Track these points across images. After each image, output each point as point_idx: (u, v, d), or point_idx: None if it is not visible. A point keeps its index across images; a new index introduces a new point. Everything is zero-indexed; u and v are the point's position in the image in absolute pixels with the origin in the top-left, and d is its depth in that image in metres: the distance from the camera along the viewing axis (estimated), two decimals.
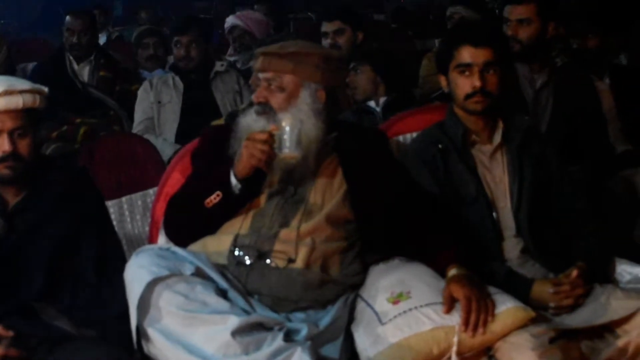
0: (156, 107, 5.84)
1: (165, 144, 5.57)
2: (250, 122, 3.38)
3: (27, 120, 3.21)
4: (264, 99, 3.38)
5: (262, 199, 3.38)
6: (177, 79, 5.91)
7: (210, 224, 3.39)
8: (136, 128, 5.87)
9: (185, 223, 3.43)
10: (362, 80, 5.20)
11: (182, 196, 3.49)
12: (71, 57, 6.52)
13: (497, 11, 6.76)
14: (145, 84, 6.00)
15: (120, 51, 7.85)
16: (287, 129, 3.23)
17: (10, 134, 3.17)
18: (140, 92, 5.97)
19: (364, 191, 3.38)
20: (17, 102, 3.16)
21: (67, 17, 6.59)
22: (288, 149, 3.23)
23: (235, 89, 5.96)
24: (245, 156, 3.27)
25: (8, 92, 3.15)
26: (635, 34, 6.02)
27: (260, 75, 3.43)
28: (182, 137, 5.56)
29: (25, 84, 3.24)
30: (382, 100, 5.16)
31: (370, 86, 5.20)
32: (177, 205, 3.48)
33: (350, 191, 3.40)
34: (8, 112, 3.16)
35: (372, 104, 5.18)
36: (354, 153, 3.43)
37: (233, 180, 3.31)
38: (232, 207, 3.36)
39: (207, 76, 5.95)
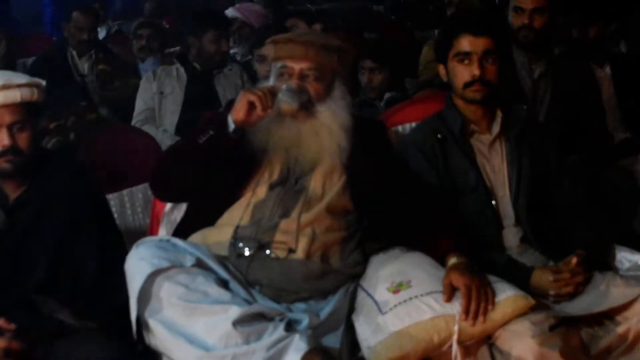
0: (158, 97, 5.84)
1: (165, 135, 5.57)
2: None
3: (25, 114, 3.21)
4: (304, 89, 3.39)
5: (263, 189, 3.38)
6: (182, 70, 5.90)
7: (200, 167, 3.34)
8: (136, 118, 5.86)
9: (174, 168, 3.41)
10: (379, 80, 5.26)
11: (175, 144, 3.49)
12: (73, 52, 6.55)
13: (496, 0, 6.78)
14: (149, 74, 6.00)
15: (119, 45, 7.87)
16: (279, 76, 3.33)
17: (10, 128, 3.17)
18: (142, 82, 5.97)
19: (363, 181, 3.39)
20: (15, 96, 3.17)
21: (76, 14, 6.60)
22: (287, 101, 3.28)
23: (237, 84, 5.95)
24: (243, 97, 3.26)
25: (6, 87, 3.15)
26: (635, 22, 6.01)
27: (294, 64, 3.40)
28: (181, 129, 5.57)
29: (22, 78, 3.25)
30: (386, 95, 5.22)
31: (385, 86, 5.26)
32: (169, 151, 3.51)
33: (349, 181, 3.40)
34: (6, 106, 3.17)
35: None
36: (353, 144, 3.43)
37: (230, 120, 3.30)
38: (223, 146, 3.32)
39: (212, 70, 5.94)
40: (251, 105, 3.25)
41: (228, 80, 5.93)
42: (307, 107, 3.37)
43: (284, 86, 3.34)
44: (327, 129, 3.38)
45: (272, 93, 3.28)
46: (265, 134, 3.37)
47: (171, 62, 6.12)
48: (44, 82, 3.31)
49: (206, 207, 3.43)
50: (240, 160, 3.37)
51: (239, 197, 3.40)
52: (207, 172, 3.36)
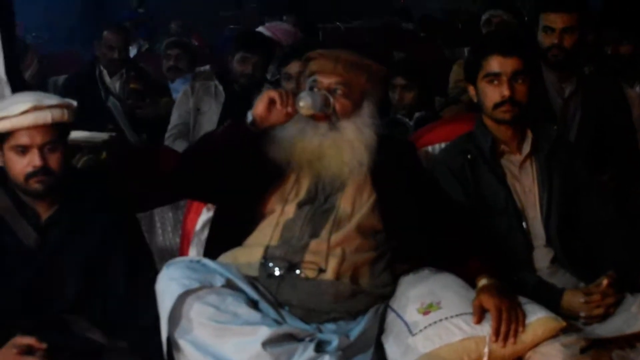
0: (194, 113, 5.83)
1: None
2: (305, 124, 3.38)
3: (56, 135, 3.24)
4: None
5: (292, 208, 3.38)
6: (220, 88, 5.90)
7: (217, 154, 3.33)
8: (170, 131, 5.86)
9: (194, 156, 3.46)
10: (410, 98, 5.27)
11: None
12: (104, 71, 6.59)
13: (526, 18, 6.76)
14: (187, 89, 5.98)
15: (150, 63, 7.91)
16: (309, 90, 3.36)
17: (40, 149, 3.20)
18: (180, 96, 5.98)
19: (393, 200, 3.38)
20: (46, 117, 3.20)
21: (107, 33, 6.62)
22: (305, 100, 3.30)
23: None
24: (265, 94, 3.31)
25: (37, 108, 3.18)
26: None
27: (323, 78, 3.41)
28: None
29: (53, 99, 3.28)
30: (416, 115, 5.22)
31: (416, 104, 5.27)
32: (191, 145, 3.58)
33: (379, 200, 3.40)
34: (37, 127, 3.20)
35: (404, 117, 5.25)
36: (383, 163, 3.43)
37: (249, 113, 3.32)
38: (239, 135, 3.33)
39: (251, 90, 5.94)
40: (271, 102, 3.28)
41: None
42: (330, 119, 3.37)
43: (309, 91, 3.37)
44: (349, 144, 3.37)
45: (295, 94, 3.32)
46: (288, 145, 3.38)
47: (209, 78, 6.11)
48: (75, 103, 3.34)
49: (232, 222, 3.44)
50: (263, 170, 3.37)
51: (265, 214, 3.41)
52: (224, 163, 3.33)
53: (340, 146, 3.36)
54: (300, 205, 3.38)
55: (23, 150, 3.21)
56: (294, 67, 5.01)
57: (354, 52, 3.50)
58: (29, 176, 3.22)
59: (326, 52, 3.49)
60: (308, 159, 3.37)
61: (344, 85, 3.39)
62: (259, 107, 3.30)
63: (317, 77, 3.42)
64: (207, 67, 7.37)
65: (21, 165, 3.22)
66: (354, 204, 3.39)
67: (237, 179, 3.35)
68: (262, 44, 6.11)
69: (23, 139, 3.20)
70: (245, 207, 3.41)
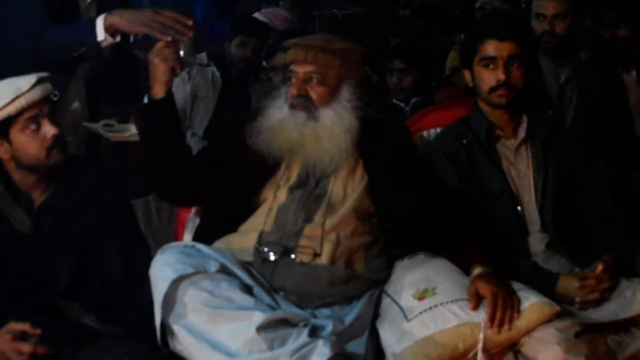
0: (190, 99, 5.81)
1: (193, 139, 5.53)
2: (285, 115, 3.39)
3: (51, 107, 3.24)
4: (304, 92, 3.39)
5: (284, 193, 3.39)
6: (217, 74, 5.87)
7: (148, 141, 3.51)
8: None
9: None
10: (409, 82, 5.27)
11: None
12: None
13: (523, 5, 6.76)
14: (183, 74, 5.92)
15: (146, 50, 7.86)
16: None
17: (50, 120, 3.19)
18: (176, 82, 5.92)
19: (385, 183, 3.38)
20: (48, 88, 3.21)
21: None
22: (184, 55, 3.36)
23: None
24: (161, 62, 3.48)
25: (41, 80, 3.18)
26: None
27: (298, 68, 3.41)
28: (211, 133, 5.54)
29: (42, 73, 3.26)
30: (412, 100, 5.21)
31: (414, 88, 5.27)
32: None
33: (370, 183, 3.40)
34: (43, 99, 3.19)
35: (401, 102, 5.23)
36: (375, 146, 3.43)
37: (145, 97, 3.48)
38: (156, 118, 3.49)
39: (247, 76, 5.91)
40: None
41: (264, 90, 5.88)
42: (308, 108, 3.37)
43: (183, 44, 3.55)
44: (327, 133, 3.37)
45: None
46: (271, 136, 3.38)
47: (207, 64, 6.08)
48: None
49: (225, 212, 3.44)
50: (252, 165, 3.39)
51: (259, 203, 3.41)
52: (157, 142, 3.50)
53: (320, 135, 3.36)
54: (291, 190, 3.39)
55: (36, 125, 3.18)
56: (279, 59, 5.03)
57: (324, 38, 3.50)
58: (50, 149, 3.20)
59: (298, 40, 3.50)
60: (290, 148, 3.37)
61: (318, 73, 3.38)
62: (164, 77, 3.51)
63: (292, 67, 3.43)
64: (203, 54, 7.34)
65: (38, 142, 3.19)
66: (346, 188, 3.39)
67: (230, 176, 3.39)
68: (260, 28, 6.11)
69: (33, 113, 3.18)
70: (241, 200, 3.41)
